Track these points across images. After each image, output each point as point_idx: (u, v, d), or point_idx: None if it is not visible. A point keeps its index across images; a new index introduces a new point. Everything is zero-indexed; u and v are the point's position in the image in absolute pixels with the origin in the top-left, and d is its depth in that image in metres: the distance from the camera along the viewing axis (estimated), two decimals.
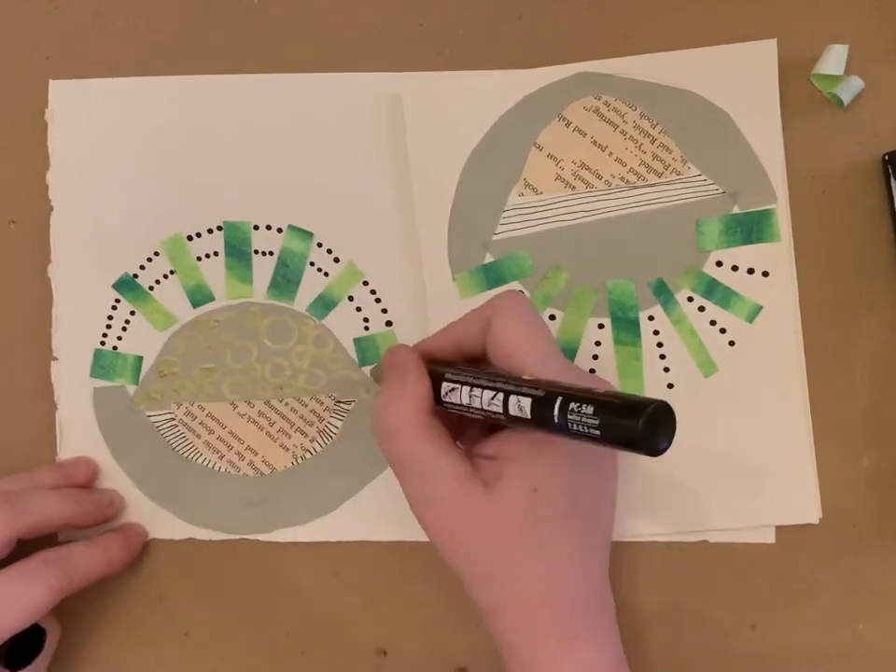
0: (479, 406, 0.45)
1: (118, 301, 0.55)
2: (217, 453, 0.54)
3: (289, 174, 0.55)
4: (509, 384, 0.44)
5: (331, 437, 0.54)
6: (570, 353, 0.53)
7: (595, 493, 0.47)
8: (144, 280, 0.55)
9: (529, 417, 0.43)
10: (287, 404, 0.54)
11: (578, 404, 0.41)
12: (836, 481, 0.52)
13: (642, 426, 0.39)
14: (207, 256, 0.55)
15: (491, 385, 0.44)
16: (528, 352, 0.45)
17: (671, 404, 0.40)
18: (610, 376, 0.53)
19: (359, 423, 0.54)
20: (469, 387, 0.45)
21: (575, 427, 0.41)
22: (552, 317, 0.53)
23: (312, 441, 0.54)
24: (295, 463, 0.54)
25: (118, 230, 0.55)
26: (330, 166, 0.54)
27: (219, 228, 0.55)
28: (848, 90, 0.52)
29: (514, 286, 0.53)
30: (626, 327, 0.53)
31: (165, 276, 0.55)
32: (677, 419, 0.40)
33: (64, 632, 0.53)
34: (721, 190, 0.53)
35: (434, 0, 0.55)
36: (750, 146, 0.53)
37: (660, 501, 0.52)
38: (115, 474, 0.54)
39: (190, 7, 0.56)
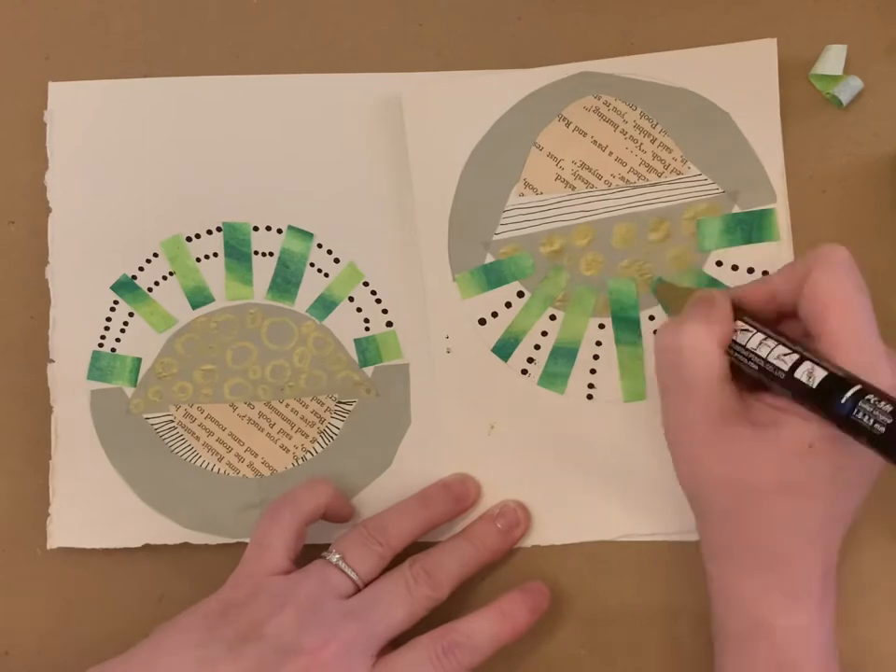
0: (763, 356, 0.44)
1: (116, 302, 0.55)
2: (217, 455, 0.54)
3: (289, 174, 0.55)
4: (809, 351, 0.44)
5: (332, 437, 0.54)
6: (571, 352, 0.53)
7: (861, 470, 0.45)
8: (143, 281, 0.55)
9: (814, 388, 0.42)
10: (287, 405, 0.54)
11: (877, 398, 0.40)
12: None
13: None
14: (207, 257, 0.55)
15: (790, 344, 0.44)
16: (842, 315, 0.44)
17: None
18: (611, 376, 0.53)
19: (361, 423, 0.54)
20: (763, 335, 0.45)
21: (860, 415, 0.40)
22: (552, 317, 0.53)
23: (313, 441, 0.54)
24: (296, 464, 0.54)
25: (116, 231, 0.55)
26: (330, 167, 0.54)
27: (219, 229, 0.55)
28: (847, 90, 0.52)
29: (515, 286, 0.53)
30: (627, 326, 0.53)
31: (164, 278, 0.55)
32: None
33: (64, 633, 0.52)
34: (720, 190, 0.53)
35: (434, 0, 0.55)
36: (750, 145, 0.53)
37: (660, 501, 0.52)
38: (111, 478, 0.54)
39: (190, 8, 0.56)
